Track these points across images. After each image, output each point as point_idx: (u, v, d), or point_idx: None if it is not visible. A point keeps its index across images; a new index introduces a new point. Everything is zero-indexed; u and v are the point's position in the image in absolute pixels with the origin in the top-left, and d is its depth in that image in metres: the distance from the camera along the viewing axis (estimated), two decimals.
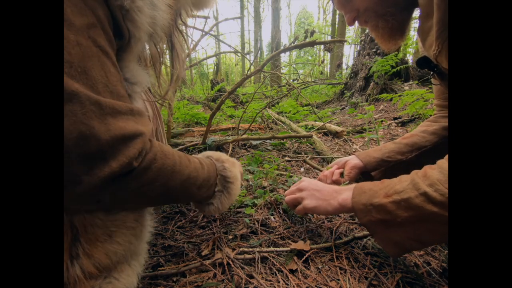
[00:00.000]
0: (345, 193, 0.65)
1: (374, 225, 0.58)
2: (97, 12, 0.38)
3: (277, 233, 0.79)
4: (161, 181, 0.47)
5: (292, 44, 1.68)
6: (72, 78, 0.34)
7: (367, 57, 4.12)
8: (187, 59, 0.73)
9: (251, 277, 0.61)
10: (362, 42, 4.33)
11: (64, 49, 0.33)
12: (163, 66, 0.67)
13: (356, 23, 0.74)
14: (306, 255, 0.68)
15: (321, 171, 1.37)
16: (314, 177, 1.27)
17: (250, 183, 1.16)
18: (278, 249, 0.71)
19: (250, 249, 0.70)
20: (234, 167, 0.70)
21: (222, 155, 0.71)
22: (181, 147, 1.70)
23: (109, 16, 0.41)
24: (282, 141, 1.96)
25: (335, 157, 1.55)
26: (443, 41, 0.54)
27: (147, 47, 0.60)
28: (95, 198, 0.39)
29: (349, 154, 1.77)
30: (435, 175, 0.51)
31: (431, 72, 0.74)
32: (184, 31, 0.68)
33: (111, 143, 0.37)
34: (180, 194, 0.55)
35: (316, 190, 0.72)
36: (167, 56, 0.68)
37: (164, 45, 0.65)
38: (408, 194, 0.52)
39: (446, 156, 0.53)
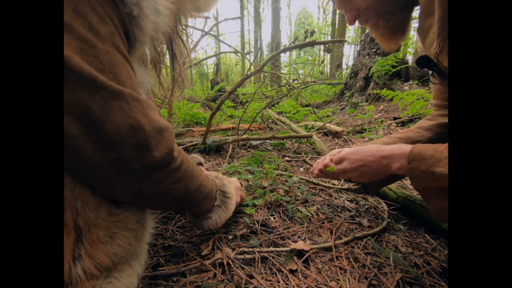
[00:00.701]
0: (399, 161, 0.61)
1: (430, 192, 0.55)
2: (114, 20, 0.41)
3: (277, 233, 0.79)
4: (185, 182, 0.52)
5: (292, 44, 1.68)
6: (112, 81, 0.38)
7: (367, 57, 4.12)
8: (187, 59, 0.74)
9: (251, 277, 0.62)
10: (362, 42, 4.33)
11: (96, 59, 0.37)
12: (163, 69, 0.69)
13: (357, 23, 0.73)
14: (306, 255, 0.68)
15: None
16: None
17: (250, 183, 1.16)
18: (278, 249, 0.71)
19: (250, 249, 0.70)
20: (231, 184, 0.76)
21: (219, 174, 0.78)
22: (181, 147, 1.70)
23: (121, 22, 0.43)
24: (282, 141, 1.96)
25: None
26: (445, 39, 0.54)
27: (147, 50, 0.62)
28: (139, 185, 0.44)
29: None
30: None
31: (431, 72, 0.74)
32: (184, 33, 0.69)
33: (153, 133, 0.43)
34: (193, 200, 0.59)
35: (363, 166, 0.68)
36: (167, 58, 0.69)
37: (164, 46, 0.66)
38: None
39: None
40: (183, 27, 0.69)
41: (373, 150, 0.68)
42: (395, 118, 2.78)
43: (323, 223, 0.86)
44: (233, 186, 0.76)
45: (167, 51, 0.67)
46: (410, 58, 4.22)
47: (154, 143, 0.43)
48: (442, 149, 0.55)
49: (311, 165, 1.47)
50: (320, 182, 1.19)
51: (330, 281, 0.61)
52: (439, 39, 0.55)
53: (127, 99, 0.40)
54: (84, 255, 0.41)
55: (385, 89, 3.22)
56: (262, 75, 3.09)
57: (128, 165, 0.41)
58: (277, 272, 0.63)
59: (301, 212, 0.91)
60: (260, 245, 0.74)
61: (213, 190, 0.69)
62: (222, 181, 0.74)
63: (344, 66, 8.89)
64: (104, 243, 0.44)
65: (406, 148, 0.60)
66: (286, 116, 3.02)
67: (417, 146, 0.59)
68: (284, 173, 1.29)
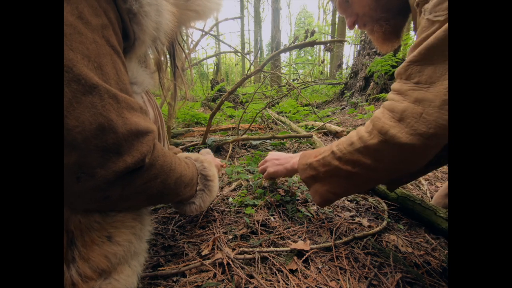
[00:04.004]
0: (295, 158, 0.85)
1: (308, 179, 0.75)
2: (109, 14, 0.40)
3: (277, 233, 0.79)
4: (161, 178, 0.48)
5: (292, 44, 1.68)
6: (91, 72, 0.35)
7: (367, 57, 4.12)
8: (187, 60, 0.75)
9: (251, 277, 0.61)
10: (362, 42, 4.33)
11: (83, 44, 0.35)
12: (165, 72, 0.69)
13: (356, 26, 0.79)
14: (306, 255, 0.68)
15: None
16: None
17: (250, 183, 1.16)
18: (278, 249, 0.71)
19: (250, 249, 0.70)
20: (212, 166, 0.73)
21: (199, 156, 0.74)
22: (181, 147, 1.70)
23: (119, 19, 0.42)
24: (282, 141, 1.96)
25: None
26: None
27: (150, 53, 0.61)
28: (104, 193, 0.39)
29: None
30: (342, 139, 0.67)
31: None
32: (184, 41, 0.69)
33: (127, 136, 0.38)
34: (171, 193, 0.56)
35: (275, 159, 0.95)
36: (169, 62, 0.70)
37: (166, 52, 0.66)
38: (325, 153, 0.70)
39: (359, 128, 0.65)
40: (185, 33, 0.69)
41: (286, 154, 0.96)
42: None
43: (323, 223, 0.86)
44: (214, 168, 0.74)
45: (170, 57, 0.67)
46: None
47: (127, 147, 0.38)
48: (321, 149, 0.74)
49: None
50: None
51: (330, 281, 0.61)
52: None
53: (102, 95, 0.35)
54: (78, 257, 0.40)
55: (383, 93, 3.22)
56: (262, 75, 3.09)
57: (91, 172, 0.35)
58: (277, 272, 0.63)
59: (301, 212, 0.91)
60: (260, 245, 0.74)
61: (194, 176, 0.66)
62: (202, 164, 0.71)
63: (344, 66, 8.89)
64: (100, 244, 0.42)
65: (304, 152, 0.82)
66: (286, 116, 3.02)
67: (308, 151, 0.80)
68: None
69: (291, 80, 4.43)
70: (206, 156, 0.76)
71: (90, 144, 0.34)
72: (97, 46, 0.37)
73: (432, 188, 1.24)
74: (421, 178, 1.30)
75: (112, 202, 0.42)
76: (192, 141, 1.84)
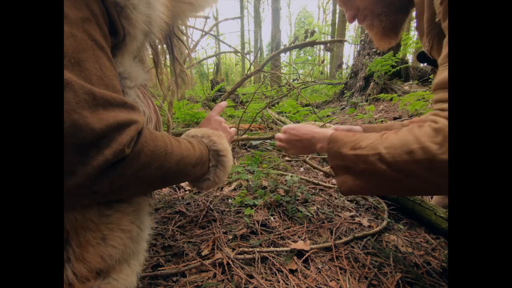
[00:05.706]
0: (321, 142, 0.74)
1: (338, 169, 0.69)
2: (92, 7, 0.38)
3: (277, 233, 0.79)
4: (157, 164, 0.46)
5: (292, 44, 1.68)
6: (65, 68, 0.34)
7: (367, 57, 4.12)
8: (187, 59, 0.73)
9: (251, 277, 0.61)
10: (362, 42, 4.33)
11: None
12: (165, 68, 0.68)
13: (356, 21, 0.79)
14: (306, 255, 0.68)
15: (321, 171, 1.37)
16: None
17: (250, 183, 1.16)
18: (278, 249, 0.71)
19: (250, 249, 0.70)
20: (222, 139, 0.70)
21: (207, 131, 0.70)
22: None
23: (105, 13, 0.41)
24: None
25: None
26: (432, 37, 0.59)
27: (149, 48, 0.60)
28: (90, 189, 0.38)
29: None
30: (393, 141, 0.57)
31: (431, 67, 0.76)
32: (184, 34, 0.68)
33: (106, 132, 0.37)
34: (178, 175, 0.54)
35: (296, 140, 0.81)
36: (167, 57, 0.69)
37: (165, 46, 0.65)
38: (367, 151, 0.60)
39: (417, 132, 0.53)
40: (183, 28, 0.68)
41: (308, 128, 0.79)
42: (395, 118, 2.77)
43: (323, 223, 0.86)
44: (225, 140, 0.70)
45: (168, 50, 0.66)
46: (410, 58, 4.22)
47: (106, 141, 0.37)
48: (351, 135, 0.67)
49: (311, 165, 1.47)
50: (320, 182, 1.19)
51: (330, 281, 0.61)
52: (428, 38, 0.60)
53: (76, 92, 0.34)
54: (73, 257, 0.39)
55: (383, 93, 3.23)
56: (262, 75, 3.09)
57: (72, 169, 0.35)
58: (277, 272, 0.63)
59: (301, 212, 0.91)
60: (260, 245, 0.74)
61: (204, 154, 0.64)
62: (211, 139, 0.68)
63: (344, 66, 8.89)
64: (95, 245, 0.41)
65: (328, 133, 0.72)
66: (286, 116, 3.02)
67: (335, 132, 0.70)
68: (285, 173, 1.29)
69: (291, 80, 4.43)
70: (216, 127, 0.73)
71: (66, 143, 0.33)
72: (75, 41, 0.35)
73: None
74: None
75: (104, 195, 0.41)
76: None
